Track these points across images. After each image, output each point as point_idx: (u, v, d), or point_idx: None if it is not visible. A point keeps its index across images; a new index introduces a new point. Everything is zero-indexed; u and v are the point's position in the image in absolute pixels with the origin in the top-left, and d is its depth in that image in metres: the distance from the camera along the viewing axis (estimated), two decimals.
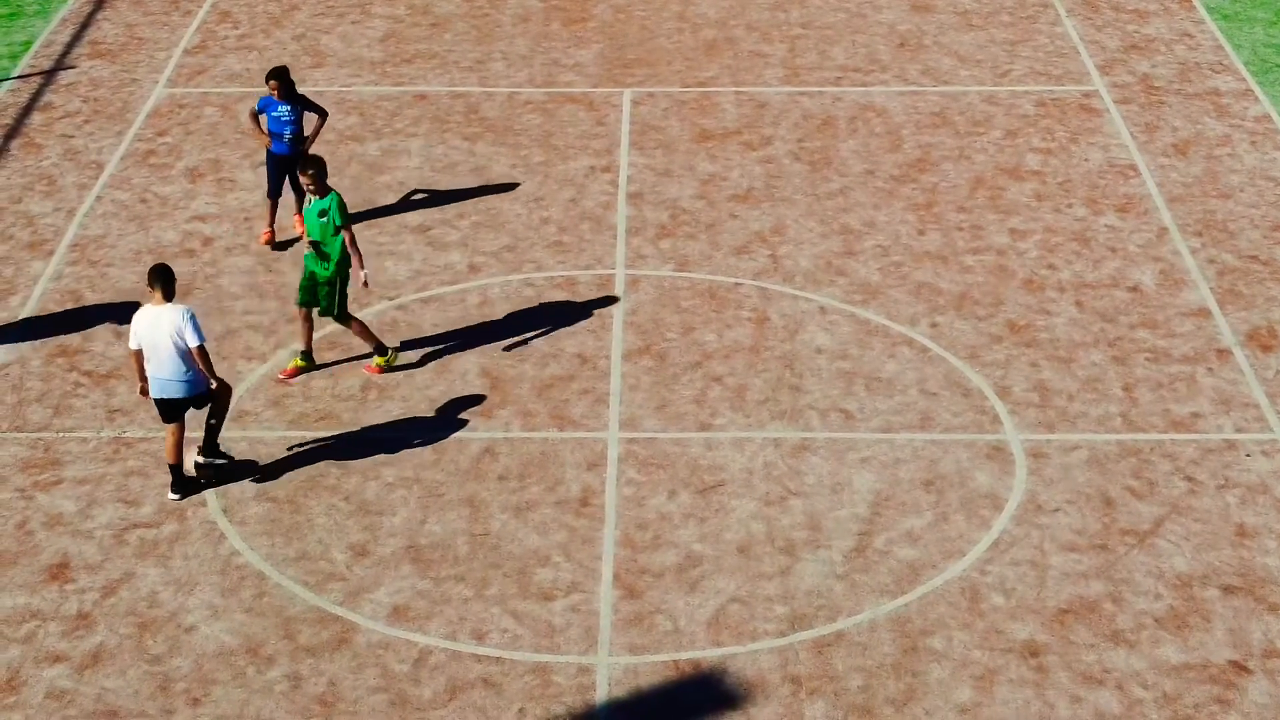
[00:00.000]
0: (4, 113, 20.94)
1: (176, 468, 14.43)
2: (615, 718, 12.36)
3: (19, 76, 21.84)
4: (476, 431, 15.26)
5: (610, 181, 19.39)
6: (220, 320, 16.79)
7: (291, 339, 16.43)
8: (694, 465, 14.84)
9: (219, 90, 21.47)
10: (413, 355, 16.27)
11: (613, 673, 12.73)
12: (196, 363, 14.02)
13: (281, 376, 15.95)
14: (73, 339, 16.55)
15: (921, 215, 18.68)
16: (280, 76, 17.72)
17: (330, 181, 19.25)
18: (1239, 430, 15.31)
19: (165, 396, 14.15)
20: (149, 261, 17.68)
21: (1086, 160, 19.78)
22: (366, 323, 16.28)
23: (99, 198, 19.04)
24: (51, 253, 18.00)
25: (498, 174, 19.50)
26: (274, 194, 18.21)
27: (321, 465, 14.85)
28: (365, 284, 15.86)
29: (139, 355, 14.09)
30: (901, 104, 21.07)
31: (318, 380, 15.91)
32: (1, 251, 18.04)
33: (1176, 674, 12.71)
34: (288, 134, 17.89)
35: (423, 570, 13.69)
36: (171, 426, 14.29)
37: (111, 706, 12.40)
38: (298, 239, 18.01)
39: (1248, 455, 15.00)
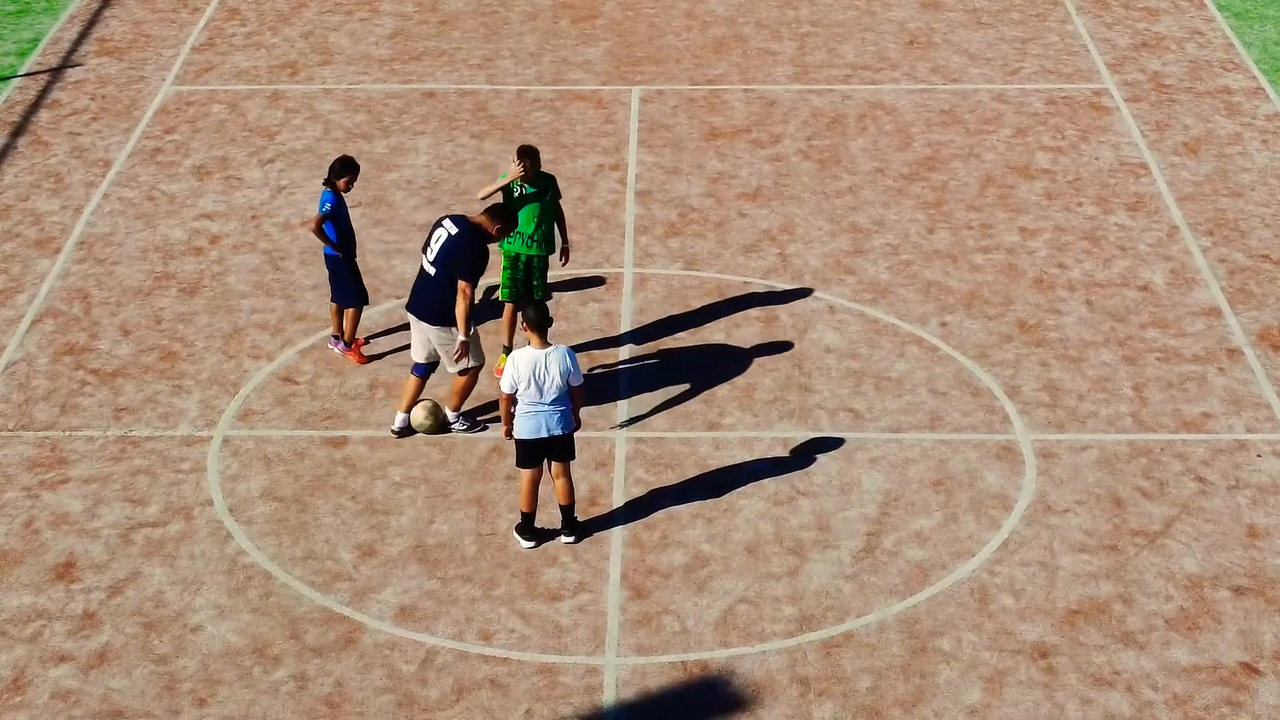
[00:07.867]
0: (11, 110, 20.92)
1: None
2: (623, 718, 12.31)
3: (27, 74, 21.82)
4: (484, 431, 15.21)
5: (619, 179, 19.33)
6: (227, 319, 16.75)
7: (298, 336, 16.39)
8: (702, 465, 14.79)
9: (227, 88, 21.43)
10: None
11: (620, 673, 12.68)
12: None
13: None
14: (79, 337, 16.51)
15: (931, 214, 18.61)
16: (355, 170, 15.65)
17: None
18: (1250, 430, 15.24)
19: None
20: (156, 259, 17.65)
21: (1097, 159, 19.71)
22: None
23: (106, 195, 19.01)
24: (58, 250, 17.97)
25: None
26: (362, 299, 16.08)
27: (328, 465, 14.81)
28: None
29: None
30: (911, 102, 21.01)
31: (324, 379, 15.87)
32: (8, 249, 18.02)
33: (1187, 676, 12.65)
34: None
35: (430, 570, 13.64)
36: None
37: (117, 706, 12.37)
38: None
39: (1259, 455, 14.93)
